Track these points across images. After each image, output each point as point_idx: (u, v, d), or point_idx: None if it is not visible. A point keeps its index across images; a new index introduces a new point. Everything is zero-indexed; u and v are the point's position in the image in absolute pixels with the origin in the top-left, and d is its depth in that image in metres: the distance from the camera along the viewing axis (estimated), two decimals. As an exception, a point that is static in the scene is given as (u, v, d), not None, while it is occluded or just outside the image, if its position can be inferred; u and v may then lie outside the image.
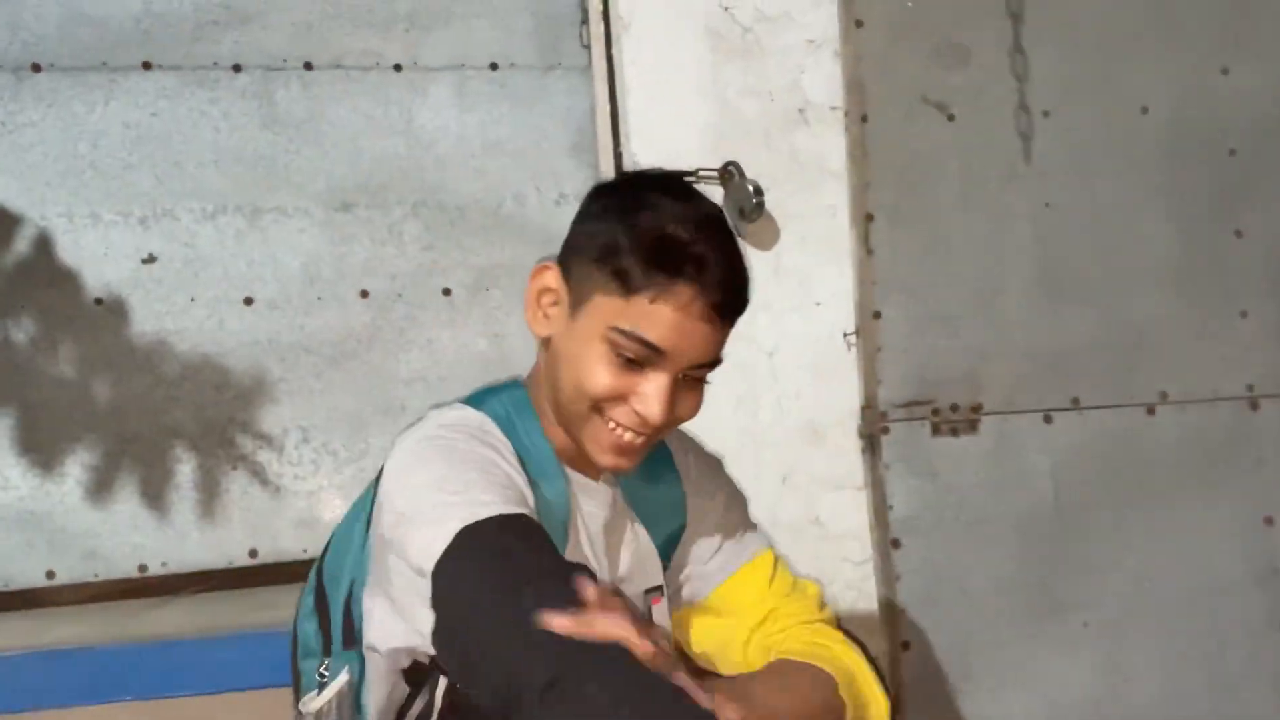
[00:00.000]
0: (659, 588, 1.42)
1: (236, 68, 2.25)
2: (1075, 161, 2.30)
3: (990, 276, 2.26)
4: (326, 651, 1.34)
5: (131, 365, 2.17)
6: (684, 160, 2.25)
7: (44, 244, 2.18)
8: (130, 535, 2.15)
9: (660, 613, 1.41)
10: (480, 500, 1.13)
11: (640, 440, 1.25)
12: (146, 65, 2.23)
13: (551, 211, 2.35)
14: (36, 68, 2.17)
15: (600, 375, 1.20)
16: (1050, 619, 2.25)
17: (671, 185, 1.28)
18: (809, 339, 2.24)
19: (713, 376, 1.28)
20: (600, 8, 2.31)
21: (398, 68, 2.31)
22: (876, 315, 2.24)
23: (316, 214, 2.26)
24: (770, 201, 2.21)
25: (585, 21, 2.35)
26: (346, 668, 1.27)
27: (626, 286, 1.18)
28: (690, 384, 1.23)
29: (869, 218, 2.25)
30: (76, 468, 2.13)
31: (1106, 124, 2.31)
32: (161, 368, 2.18)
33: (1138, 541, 2.30)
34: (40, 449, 2.11)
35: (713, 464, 1.54)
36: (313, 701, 1.29)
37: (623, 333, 1.18)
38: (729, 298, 1.21)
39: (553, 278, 1.29)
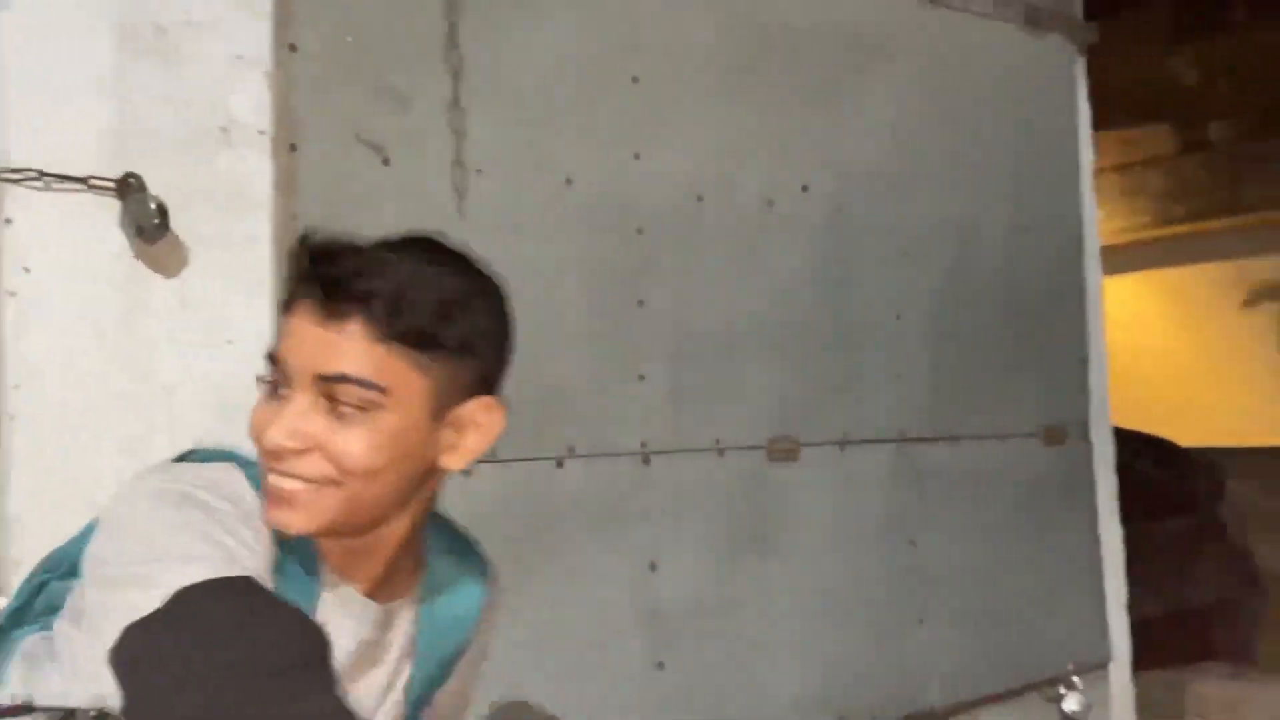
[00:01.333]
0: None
1: None
2: (505, 221, 1.95)
3: (417, 326, 1.77)
4: None
5: None
6: (76, 165, 1.57)
7: None
8: None
9: None
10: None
11: (293, 487, 0.90)
12: None
13: (-115, 203, 1.55)
14: None
15: (253, 411, 0.93)
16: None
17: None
18: (217, 378, 1.64)
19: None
20: (-26, -32, 1.56)
21: None
22: (296, 358, 1.65)
23: None
24: (180, 224, 1.63)
25: (-45, -17, 1.57)
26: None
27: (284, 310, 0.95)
28: (348, 418, 0.91)
29: (293, 253, 1.66)
30: None
31: (534, 190, 1.99)
32: None
33: (545, 590, 1.94)
34: None
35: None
36: None
37: (267, 355, 0.94)
38: (342, 289, 0.90)
39: None
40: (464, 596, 1.10)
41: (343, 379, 0.90)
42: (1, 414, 1.67)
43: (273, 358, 0.93)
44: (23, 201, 1.65)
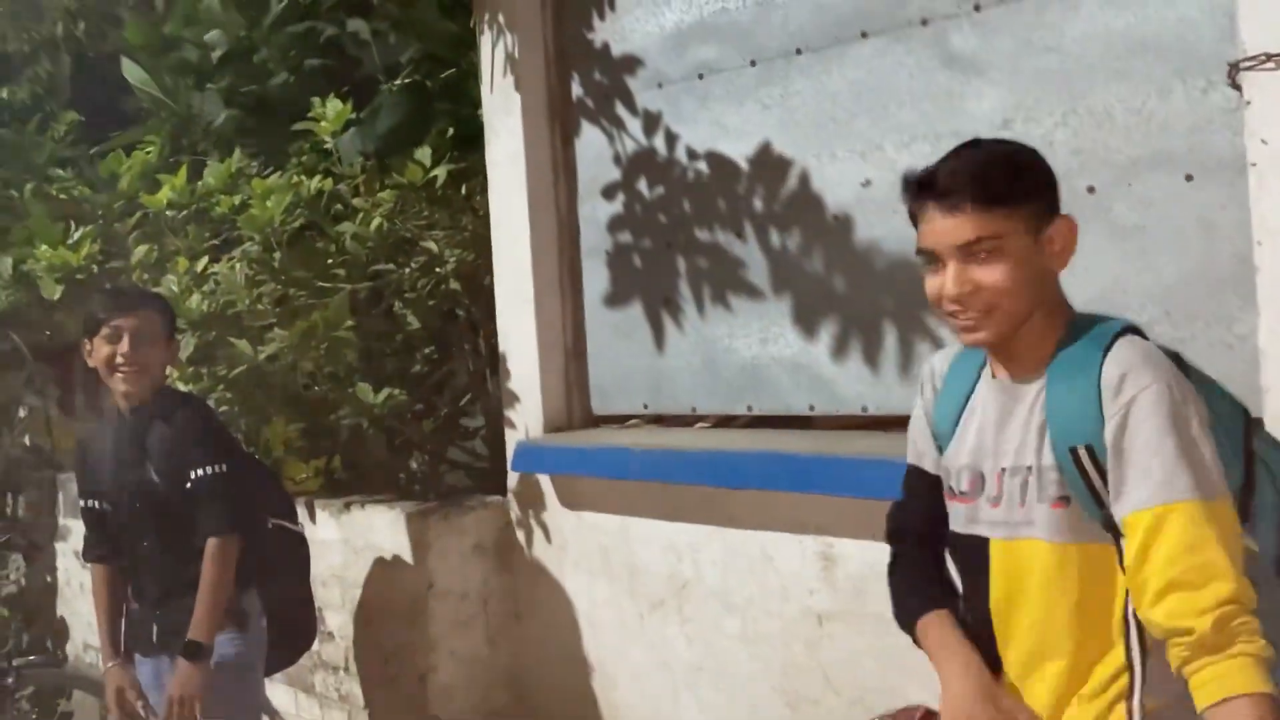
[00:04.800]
0: (1030, 466, 1.45)
1: (923, 22, 2.36)
2: None
3: None
4: None
5: (854, 264, 2.49)
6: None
7: (804, 178, 2.58)
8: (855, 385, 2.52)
9: (1031, 488, 1.45)
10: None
11: (971, 318, 1.44)
12: (864, 35, 2.46)
13: None
14: (798, 52, 2.55)
15: (927, 287, 1.48)
16: None
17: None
18: None
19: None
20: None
21: (1051, -9, 2.19)
22: None
23: (982, 133, 2.28)
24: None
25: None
26: None
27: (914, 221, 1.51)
28: (983, 260, 1.41)
29: None
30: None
31: None
32: (875, 264, 2.46)
33: None
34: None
35: (1140, 374, 1.38)
36: None
37: (919, 250, 1.48)
38: (955, 190, 1.41)
39: None
40: (1081, 373, 1.40)
41: (972, 244, 1.41)
42: (1250, 265, 1.94)
43: (923, 251, 1.45)
44: (1257, 84, 1.87)
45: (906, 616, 1.57)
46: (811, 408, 2.75)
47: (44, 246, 3.67)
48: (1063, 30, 2.28)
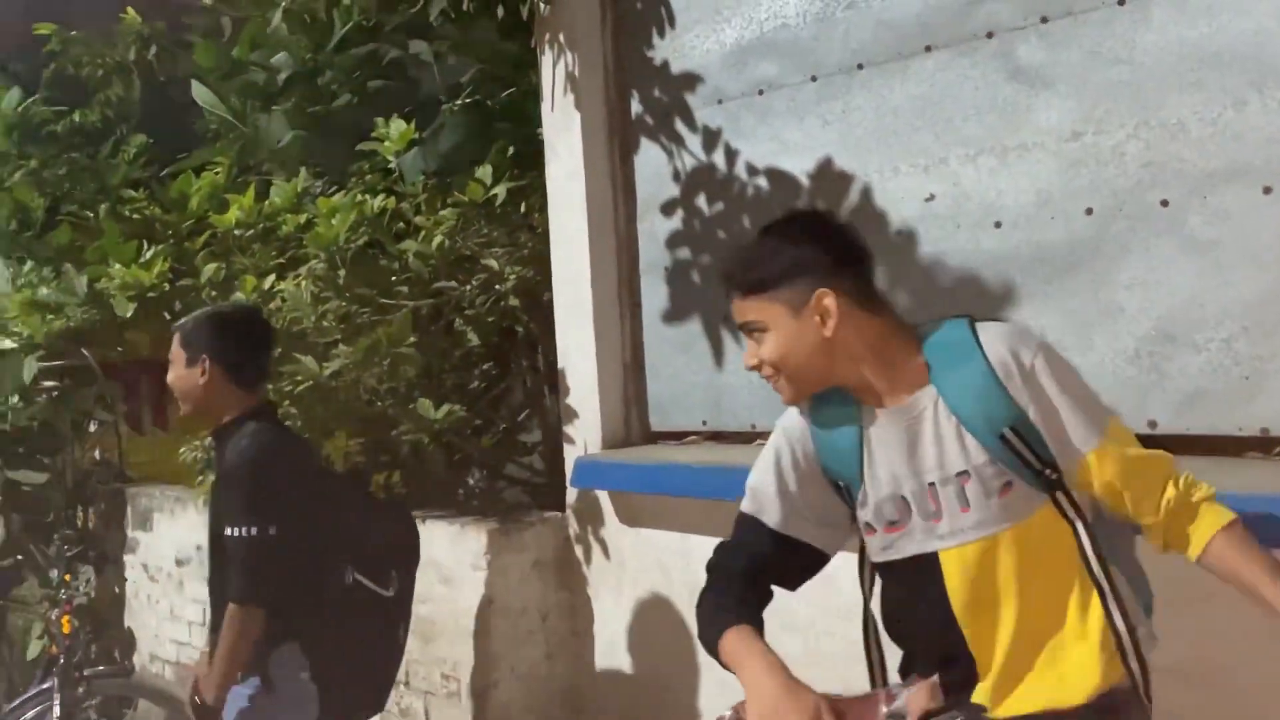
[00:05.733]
0: (965, 471, 1.55)
1: (989, 34, 2.34)
2: None
3: None
4: None
5: (917, 280, 2.47)
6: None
7: (866, 192, 2.56)
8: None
9: (972, 490, 1.55)
10: None
11: (771, 382, 1.64)
12: (927, 49, 2.45)
13: None
14: (860, 67, 2.54)
15: None
16: None
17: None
18: None
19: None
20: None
21: (1121, 1, 2.16)
22: None
23: (1049, 146, 2.26)
24: None
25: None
26: None
27: None
28: (758, 338, 1.62)
29: None
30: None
31: None
32: (938, 279, 2.43)
33: None
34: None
35: (1020, 348, 1.56)
36: None
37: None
38: (728, 282, 1.65)
39: None
40: (966, 367, 1.53)
41: (758, 324, 1.61)
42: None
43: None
44: (1340, 92, 1.81)
45: (711, 637, 1.63)
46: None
47: (117, 265, 3.76)
48: (1133, 42, 2.24)
